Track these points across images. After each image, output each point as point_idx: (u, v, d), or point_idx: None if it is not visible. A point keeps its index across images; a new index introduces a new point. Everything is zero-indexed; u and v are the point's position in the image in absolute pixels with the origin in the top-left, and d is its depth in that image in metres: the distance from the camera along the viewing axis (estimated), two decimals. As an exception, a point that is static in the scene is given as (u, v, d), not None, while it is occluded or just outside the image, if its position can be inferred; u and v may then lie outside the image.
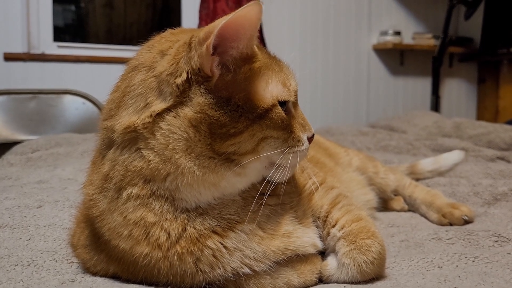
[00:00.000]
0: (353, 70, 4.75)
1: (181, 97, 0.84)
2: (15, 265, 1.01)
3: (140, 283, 0.90)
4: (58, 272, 0.99)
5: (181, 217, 0.87)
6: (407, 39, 4.86)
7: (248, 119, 0.84)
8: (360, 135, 3.03)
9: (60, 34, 3.89)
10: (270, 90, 0.88)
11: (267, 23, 4.20)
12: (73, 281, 0.94)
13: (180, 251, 0.86)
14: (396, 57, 4.92)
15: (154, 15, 4.50)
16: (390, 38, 4.69)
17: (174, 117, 0.84)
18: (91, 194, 0.92)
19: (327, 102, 4.59)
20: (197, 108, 0.83)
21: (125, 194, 0.87)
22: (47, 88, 3.48)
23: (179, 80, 0.83)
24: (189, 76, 0.83)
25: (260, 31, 4.17)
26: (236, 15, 0.81)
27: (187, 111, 0.83)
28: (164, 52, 0.88)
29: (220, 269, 0.87)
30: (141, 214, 0.86)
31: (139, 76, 0.88)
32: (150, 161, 0.84)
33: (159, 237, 0.86)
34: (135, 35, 4.37)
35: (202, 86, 0.84)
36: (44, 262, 1.04)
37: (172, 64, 0.85)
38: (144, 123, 0.84)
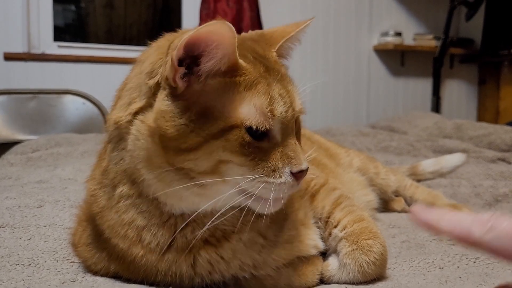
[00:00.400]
0: (353, 70, 4.75)
1: (151, 99, 0.81)
2: (16, 264, 1.01)
3: (140, 282, 0.90)
4: (59, 271, 0.99)
5: (168, 223, 0.85)
6: (408, 40, 4.86)
7: (200, 136, 0.77)
8: (360, 136, 3.03)
9: (60, 34, 3.89)
10: (235, 110, 0.78)
11: (267, 23, 4.20)
12: (74, 281, 0.94)
13: (172, 258, 0.86)
14: (397, 58, 4.92)
15: (155, 15, 4.50)
16: (391, 39, 4.69)
17: (141, 121, 0.81)
18: (92, 189, 0.92)
19: (328, 102, 4.59)
20: (155, 115, 0.79)
21: (118, 192, 0.87)
22: (47, 88, 3.47)
23: (151, 82, 0.81)
24: (159, 80, 0.80)
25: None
26: (198, 31, 0.75)
27: (149, 117, 0.80)
28: (156, 50, 0.86)
29: (217, 274, 0.87)
30: (132, 216, 0.86)
31: (134, 71, 0.89)
32: (127, 164, 0.84)
33: (151, 241, 0.85)
34: (136, 35, 4.37)
35: (167, 92, 0.80)
36: (45, 261, 1.04)
37: (151, 64, 0.83)
38: (126, 121, 0.84)
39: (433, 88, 4.58)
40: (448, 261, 1.08)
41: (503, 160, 2.39)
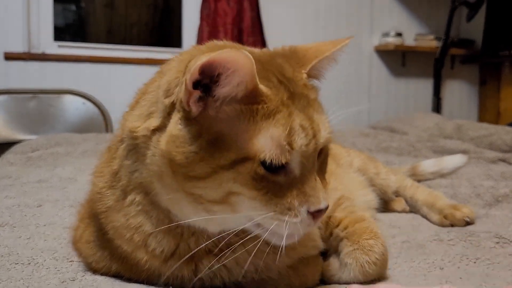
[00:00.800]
0: (354, 71, 4.75)
1: (166, 120, 0.77)
2: (15, 263, 1.01)
3: (141, 283, 0.90)
4: (58, 270, 0.99)
5: (175, 231, 0.83)
6: (409, 40, 4.86)
7: (209, 166, 0.73)
8: (361, 136, 3.02)
9: (60, 33, 3.89)
10: (249, 141, 0.73)
11: (268, 23, 4.20)
12: (73, 280, 0.93)
13: (175, 264, 0.85)
14: (398, 59, 4.91)
15: (155, 15, 4.50)
16: (392, 40, 4.68)
17: (157, 141, 0.77)
18: (100, 187, 0.90)
19: (328, 102, 4.57)
20: (167, 138, 0.76)
21: (129, 198, 0.85)
22: (47, 87, 3.47)
23: (167, 101, 0.77)
24: (175, 100, 0.76)
25: (261, 31, 4.17)
26: (213, 57, 0.70)
27: (163, 139, 0.76)
28: (176, 66, 0.81)
29: (218, 279, 0.87)
30: (141, 221, 0.84)
31: (155, 83, 0.85)
32: (144, 177, 0.82)
33: (155, 248, 0.84)
34: (136, 35, 4.37)
35: (180, 115, 0.75)
36: (45, 260, 1.04)
37: (168, 82, 0.79)
38: (143, 135, 0.80)
39: (434, 89, 4.58)
40: (449, 262, 1.08)
41: (503, 160, 2.39)
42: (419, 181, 1.89)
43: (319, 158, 0.81)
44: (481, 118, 5.08)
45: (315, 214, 0.76)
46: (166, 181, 0.78)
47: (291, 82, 0.80)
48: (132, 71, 3.81)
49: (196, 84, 0.73)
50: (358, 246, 0.93)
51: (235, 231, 0.80)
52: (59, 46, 3.77)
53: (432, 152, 2.58)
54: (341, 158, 1.62)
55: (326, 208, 0.77)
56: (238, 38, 4.08)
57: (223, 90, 0.73)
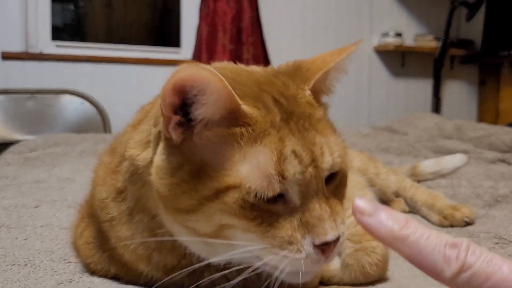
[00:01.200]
0: (354, 71, 4.75)
1: (155, 150, 0.72)
2: (12, 265, 1.00)
3: (140, 285, 0.89)
4: (55, 272, 0.98)
5: (179, 249, 0.80)
6: (408, 40, 4.86)
7: (193, 199, 0.66)
8: (361, 136, 3.02)
9: (58, 33, 3.88)
10: (232, 168, 0.65)
11: (267, 23, 4.20)
12: (70, 281, 0.93)
13: (176, 276, 0.84)
14: (397, 59, 4.92)
15: (154, 14, 4.49)
16: (392, 40, 4.69)
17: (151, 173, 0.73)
18: (103, 197, 0.87)
19: (328, 103, 4.57)
20: (153, 169, 0.71)
21: (136, 218, 0.82)
22: (45, 87, 3.47)
23: (155, 130, 0.73)
24: (161, 129, 0.70)
25: (260, 31, 4.16)
26: (174, 77, 0.64)
27: (152, 171, 0.72)
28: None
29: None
30: (147, 236, 0.82)
31: (157, 105, 0.76)
32: (151, 203, 0.78)
33: (158, 261, 0.83)
34: (135, 35, 4.37)
35: (164, 144, 0.70)
36: (41, 262, 1.03)
37: (157, 109, 0.73)
38: (144, 165, 0.76)
39: (434, 89, 4.58)
40: (449, 262, 1.07)
41: (503, 161, 2.38)
42: (419, 181, 1.89)
43: (333, 182, 0.73)
44: (481, 118, 5.09)
45: (324, 248, 0.66)
46: (163, 212, 0.74)
47: (290, 101, 0.71)
48: (131, 71, 3.81)
49: (176, 109, 0.67)
50: (360, 247, 0.93)
51: (239, 264, 0.73)
52: (57, 45, 3.77)
53: (431, 152, 2.58)
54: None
55: (337, 239, 0.67)
56: (238, 37, 4.08)
57: (199, 111, 0.67)
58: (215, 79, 0.64)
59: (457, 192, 1.74)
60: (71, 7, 4.24)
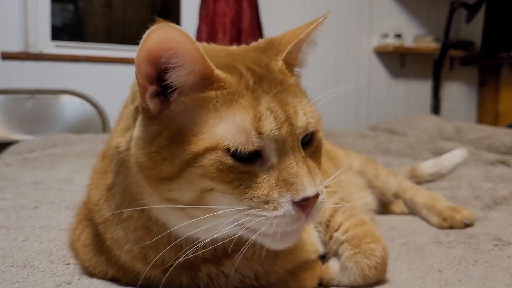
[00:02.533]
0: (353, 72, 4.75)
1: (134, 126, 0.75)
2: (11, 266, 1.00)
3: (139, 287, 0.89)
4: (54, 273, 0.98)
5: (175, 244, 0.79)
6: (408, 42, 4.86)
7: (174, 165, 0.68)
8: (360, 138, 3.02)
9: (58, 33, 3.88)
10: (209, 131, 0.67)
11: (267, 23, 4.20)
12: (69, 283, 0.92)
13: (174, 273, 0.84)
14: (397, 60, 4.92)
15: (153, 15, 4.47)
16: (391, 41, 4.69)
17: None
18: (96, 200, 0.89)
19: (328, 104, 4.57)
20: (133, 142, 0.73)
21: (126, 213, 0.83)
22: (45, 87, 3.47)
23: (132, 106, 0.76)
24: (138, 103, 0.73)
25: (260, 32, 4.16)
26: (147, 43, 0.67)
27: (131, 145, 0.74)
28: None
29: (216, 286, 0.85)
30: (141, 235, 0.82)
31: (133, 83, 0.81)
32: (135, 191, 0.79)
33: (155, 259, 0.82)
34: (134, 35, 4.34)
35: (142, 115, 0.73)
36: (40, 263, 1.03)
37: (133, 86, 0.77)
38: (125, 148, 0.77)
39: (433, 90, 4.58)
40: (447, 264, 1.08)
41: (502, 162, 2.39)
42: (418, 183, 1.89)
43: (310, 147, 0.76)
44: (480, 119, 5.09)
45: (304, 205, 0.67)
46: (146, 190, 0.75)
47: (263, 68, 0.75)
48: (130, 71, 3.74)
49: (151, 78, 0.70)
50: (359, 250, 0.93)
51: (228, 238, 0.75)
52: (57, 45, 3.76)
53: (431, 154, 2.58)
54: (341, 159, 1.62)
55: (317, 195, 0.68)
56: (237, 38, 4.07)
57: (173, 76, 0.70)
58: (186, 39, 0.66)
59: (457, 194, 1.74)
60: (71, 7, 4.23)
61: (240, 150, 0.66)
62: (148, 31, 0.66)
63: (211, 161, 0.66)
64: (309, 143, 0.76)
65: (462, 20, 4.60)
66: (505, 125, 4.10)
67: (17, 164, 2.15)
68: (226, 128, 0.67)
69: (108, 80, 3.76)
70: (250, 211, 0.67)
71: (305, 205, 0.67)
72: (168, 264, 0.83)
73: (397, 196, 1.64)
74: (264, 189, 0.68)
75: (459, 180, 1.95)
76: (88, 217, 0.97)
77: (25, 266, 1.00)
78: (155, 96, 0.71)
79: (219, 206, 0.69)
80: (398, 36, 4.72)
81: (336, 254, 0.97)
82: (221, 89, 0.70)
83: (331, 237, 0.99)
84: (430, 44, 4.82)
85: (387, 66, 4.90)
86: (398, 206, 1.66)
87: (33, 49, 3.63)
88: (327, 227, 1.00)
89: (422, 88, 5.00)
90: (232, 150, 0.66)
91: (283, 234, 0.69)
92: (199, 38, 4.00)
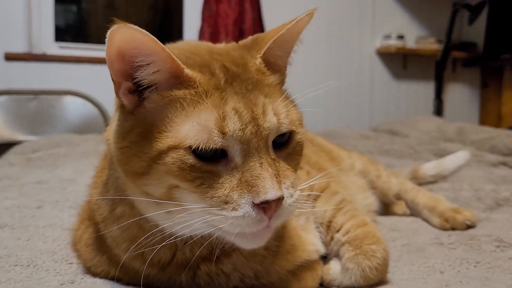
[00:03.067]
0: (355, 73, 4.75)
1: None
2: (15, 265, 1.01)
3: (141, 286, 0.90)
4: (58, 272, 0.98)
5: (169, 243, 0.79)
6: (410, 43, 4.86)
7: (142, 160, 0.70)
8: (362, 139, 3.02)
9: (61, 34, 3.89)
10: (174, 129, 0.69)
11: (270, 24, 4.20)
12: (72, 282, 0.93)
13: (173, 272, 0.84)
14: (399, 61, 4.91)
15: (156, 16, 4.50)
16: (394, 42, 4.69)
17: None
18: (96, 199, 0.90)
19: (330, 105, 4.58)
20: (111, 135, 0.76)
21: (119, 210, 0.84)
22: (48, 88, 3.47)
23: (117, 101, 0.78)
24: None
25: (262, 32, 4.16)
26: (112, 42, 0.68)
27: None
28: None
29: (216, 285, 0.86)
30: (135, 233, 0.83)
31: None
32: (122, 184, 0.80)
33: (152, 258, 0.83)
34: (137, 36, 4.36)
35: (119, 111, 0.75)
36: (44, 262, 1.03)
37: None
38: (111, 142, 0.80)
39: (435, 92, 4.58)
40: (449, 265, 1.08)
41: (504, 164, 2.38)
42: (420, 184, 1.89)
43: (285, 149, 0.75)
44: (483, 121, 5.08)
45: (265, 207, 0.67)
46: (127, 183, 0.77)
47: (239, 68, 0.76)
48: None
49: (124, 74, 0.72)
50: (360, 251, 0.93)
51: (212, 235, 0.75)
52: (60, 46, 3.78)
53: (433, 155, 2.58)
54: (343, 160, 1.62)
55: (280, 199, 0.68)
56: (240, 39, 4.05)
57: (143, 75, 0.71)
58: (148, 39, 0.68)
59: (459, 195, 1.74)
60: (74, 8, 4.24)
61: (201, 147, 0.67)
62: (110, 30, 0.67)
63: (173, 159, 0.68)
64: (285, 144, 0.76)
65: (465, 22, 4.60)
66: (508, 127, 4.09)
67: (21, 164, 2.16)
68: (190, 127, 0.68)
69: (111, 81, 3.77)
70: (211, 209, 0.69)
71: (267, 208, 0.67)
72: (166, 263, 0.83)
73: (398, 197, 1.65)
74: (225, 189, 0.69)
75: (461, 181, 1.95)
76: (89, 216, 0.98)
77: (28, 265, 1.01)
78: (130, 93, 0.73)
79: (186, 203, 0.70)
80: (400, 37, 4.72)
81: (337, 255, 0.97)
82: (190, 88, 0.71)
83: (332, 238, 0.99)
84: (432, 45, 4.81)
85: (389, 67, 4.90)
86: (400, 207, 1.66)
87: (36, 50, 3.64)
88: (328, 228, 1.00)
89: (425, 90, 4.99)
90: (193, 148, 0.67)
91: (251, 235, 0.70)
92: (201, 39, 4.00)
